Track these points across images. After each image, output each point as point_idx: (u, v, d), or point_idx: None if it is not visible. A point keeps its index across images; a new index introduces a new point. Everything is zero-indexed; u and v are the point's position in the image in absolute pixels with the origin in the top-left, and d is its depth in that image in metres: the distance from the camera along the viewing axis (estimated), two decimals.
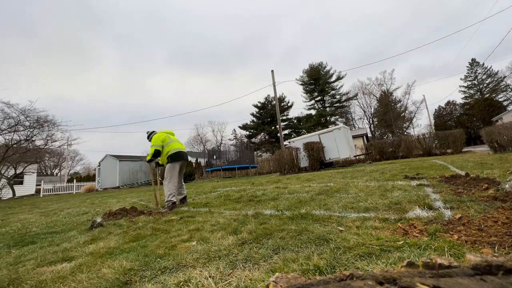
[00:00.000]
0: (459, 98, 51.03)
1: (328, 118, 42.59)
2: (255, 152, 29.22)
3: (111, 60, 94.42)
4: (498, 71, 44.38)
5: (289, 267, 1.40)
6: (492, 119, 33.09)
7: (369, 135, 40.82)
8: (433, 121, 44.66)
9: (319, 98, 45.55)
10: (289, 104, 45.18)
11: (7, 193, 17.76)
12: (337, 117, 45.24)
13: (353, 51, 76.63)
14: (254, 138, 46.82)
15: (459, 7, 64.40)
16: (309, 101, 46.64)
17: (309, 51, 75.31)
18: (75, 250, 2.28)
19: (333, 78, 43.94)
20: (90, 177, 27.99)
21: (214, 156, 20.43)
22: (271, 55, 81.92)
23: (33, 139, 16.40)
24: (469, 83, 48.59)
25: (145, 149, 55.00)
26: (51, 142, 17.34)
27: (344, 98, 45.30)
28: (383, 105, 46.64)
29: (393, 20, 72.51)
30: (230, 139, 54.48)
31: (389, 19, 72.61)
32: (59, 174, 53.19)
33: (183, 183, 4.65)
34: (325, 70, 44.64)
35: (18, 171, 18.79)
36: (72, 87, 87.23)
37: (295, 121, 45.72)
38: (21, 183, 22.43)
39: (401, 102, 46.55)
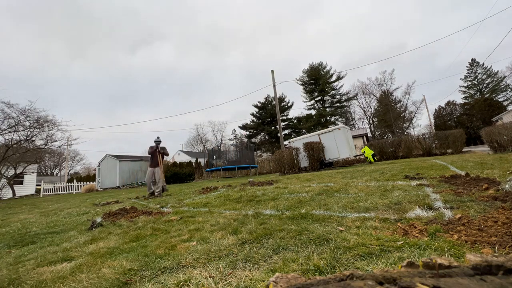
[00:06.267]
0: (459, 98, 51.00)
1: (328, 118, 42.56)
2: (255, 152, 29.18)
3: None
4: (498, 71, 44.39)
5: (289, 267, 1.40)
6: (492, 119, 33.06)
7: (369, 135, 40.80)
8: (433, 121, 44.64)
9: (319, 98, 45.52)
10: (289, 104, 45.17)
11: (7, 193, 17.73)
12: (337, 117, 45.18)
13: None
14: (254, 138, 46.78)
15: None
16: (309, 101, 46.65)
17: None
18: (75, 250, 2.27)
19: (333, 78, 43.94)
20: (90, 177, 27.88)
21: (214, 156, 20.41)
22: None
23: (33, 139, 16.36)
24: (469, 83, 48.57)
25: (144, 148, 54.97)
26: (51, 142, 17.30)
27: (344, 98, 45.29)
28: (383, 105, 46.59)
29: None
30: (230, 139, 54.50)
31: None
32: (59, 174, 53.17)
33: None
34: (325, 70, 44.62)
35: (18, 171, 18.76)
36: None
37: (295, 121, 45.67)
38: (21, 183, 22.40)
39: (401, 102, 46.53)
